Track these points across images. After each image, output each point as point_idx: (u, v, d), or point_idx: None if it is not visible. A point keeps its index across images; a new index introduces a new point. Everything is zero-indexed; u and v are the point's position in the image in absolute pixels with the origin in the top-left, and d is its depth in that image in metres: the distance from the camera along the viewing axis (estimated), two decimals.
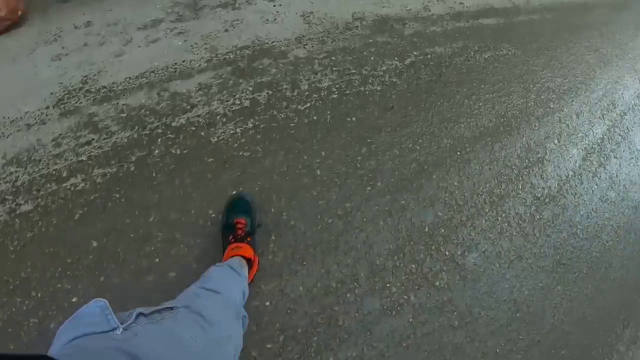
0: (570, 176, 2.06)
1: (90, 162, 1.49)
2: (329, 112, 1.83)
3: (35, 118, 1.58)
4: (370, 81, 2.00)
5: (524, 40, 2.67)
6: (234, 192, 1.50)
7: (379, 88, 1.99)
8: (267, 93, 1.82)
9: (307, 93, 1.88)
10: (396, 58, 2.13)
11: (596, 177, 2.11)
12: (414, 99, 1.98)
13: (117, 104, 1.62)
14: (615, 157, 2.22)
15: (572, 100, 2.42)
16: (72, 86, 1.65)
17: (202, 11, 2.07)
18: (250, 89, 1.82)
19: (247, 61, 1.85)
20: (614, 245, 1.93)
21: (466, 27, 2.54)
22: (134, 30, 1.86)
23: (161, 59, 1.78)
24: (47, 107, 1.61)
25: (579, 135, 2.26)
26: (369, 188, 1.62)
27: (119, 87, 1.67)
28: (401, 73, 2.09)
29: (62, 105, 1.61)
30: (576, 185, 2.04)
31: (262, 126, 1.72)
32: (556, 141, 2.17)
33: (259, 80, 1.84)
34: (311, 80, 1.92)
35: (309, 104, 1.84)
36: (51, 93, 1.64)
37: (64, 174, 1.46)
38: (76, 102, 1.62)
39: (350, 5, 2.36)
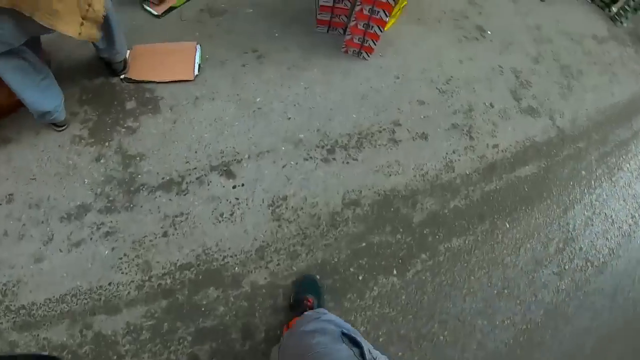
0: None
1: None
2: None
3: None
4: (351, 321, 1.73)
5: (567, 188, 2.31)
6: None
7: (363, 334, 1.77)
8: (211, 346, 1.57)
9: (262, 345, 1.60)
10: (395, 271, 1.80)
11: None
12: (409, 341, 1.68)
13: (38, 336, 1.55)
14: None
15: (612, 269, 2.12)
16: None
17: (138, 195, 1.80)
18: (190, 338, 1.58)
19: (187, 291, 1.65)
20: None
21: (497, 190, 2.14)
22: (57, 221, 1.73)
23: (84, 276, 1.65)
24: None
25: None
26: None
27: (39, 312, 1.59)
28: (397, 297, 1.78)
29: None
30: None
31: None
32: None
33: (202, 326, 1.60)
34: (270, 324, 1.63)
35: None
36: None
37: None
38: None
39: (344, 178, 1.95)
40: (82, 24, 1.47)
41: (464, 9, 3.16)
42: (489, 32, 2.99)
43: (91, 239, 1.72)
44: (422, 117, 2.25)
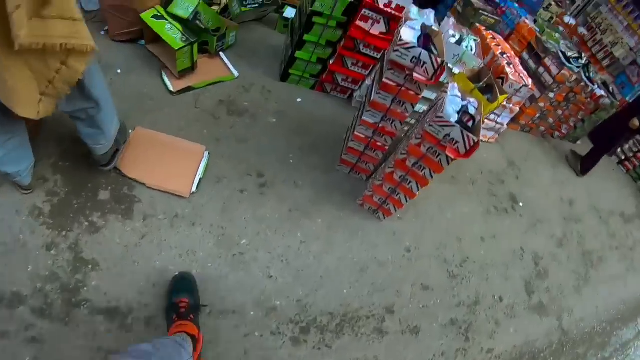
0: None
1: None
2: None
3: None
4: None
5: None
6: (176, 273, 1.61)
7: None
8: None
9: None
10: None
11: None
12: None
13: None
14: None
15: None
16: None
17: (78, 312, 1.49)
18: None
19: None
20: None
21: None
22: None
23: None
24: None
25: None
26: None
27: None
28: None
29: None
30: None
31: None
32: None
33: None
34: None
35: None
36: None
37: None
38: None
39: None
40: (40, 101, 1.30)
41: (502, 171, 3.14)
42: (520, 204, 2.96)
43: (16, 336, 1.56)
44: (421, 306, 2.15)
